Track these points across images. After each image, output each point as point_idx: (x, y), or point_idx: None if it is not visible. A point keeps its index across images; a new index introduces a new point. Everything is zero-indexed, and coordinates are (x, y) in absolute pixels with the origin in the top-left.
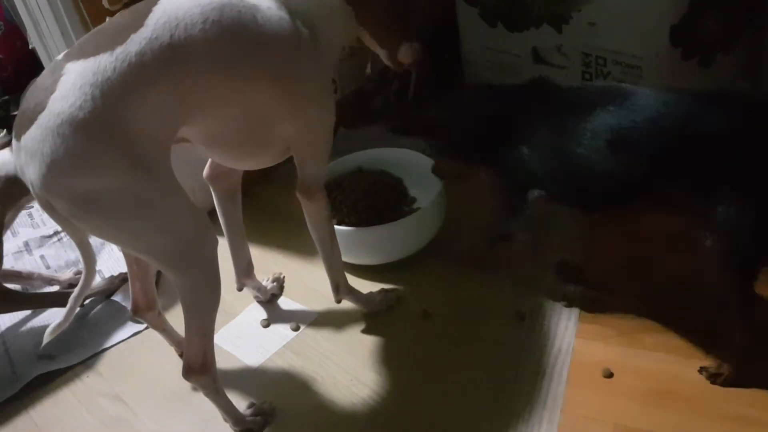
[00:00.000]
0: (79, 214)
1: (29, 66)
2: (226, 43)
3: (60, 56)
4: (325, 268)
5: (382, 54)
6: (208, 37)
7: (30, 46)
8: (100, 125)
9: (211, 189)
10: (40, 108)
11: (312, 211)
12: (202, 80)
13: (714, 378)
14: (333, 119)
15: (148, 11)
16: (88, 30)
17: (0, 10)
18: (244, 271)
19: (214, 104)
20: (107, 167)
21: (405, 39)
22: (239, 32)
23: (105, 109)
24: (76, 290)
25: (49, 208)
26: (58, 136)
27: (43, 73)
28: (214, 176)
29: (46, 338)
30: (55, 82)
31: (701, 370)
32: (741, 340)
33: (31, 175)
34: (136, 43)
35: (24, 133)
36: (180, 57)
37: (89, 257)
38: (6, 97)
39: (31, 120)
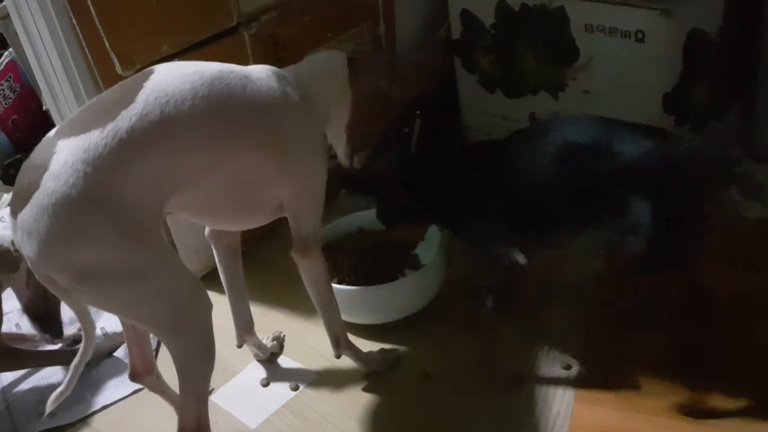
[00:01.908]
0: (77, 286)
1: (42, 127)
2: (214, 117)
3: (51, 133)
4: (324, 323)
5: (341, 147)
6: (197, 112)
7: (44, 108)
8: (93, 201)
9: (213, 247)
10: (33, 187)
11: (307, 269)
12: (192, 152)
13: None
14: (325, 176)
15: (139, 87)
16: (100, 93)
17: (17, 73)
18: (245, 328)
19: (204, 173)
20: (102, 240)
21: (367, 144)
22: (228, 105)
23: (97, 185)
24: (76, 358)
25: (48, 282)
26: (52, 214)
27: (35, 150)
28: (216, 234)
29: (50, 406)
30: (47, 160)
31: None
32: None
33: (29, 252)
34: (126, 119)
35: (20, 211)
36: (170, 132)
37: (89, 326)
38: (18, 156)
39: (25, 199)
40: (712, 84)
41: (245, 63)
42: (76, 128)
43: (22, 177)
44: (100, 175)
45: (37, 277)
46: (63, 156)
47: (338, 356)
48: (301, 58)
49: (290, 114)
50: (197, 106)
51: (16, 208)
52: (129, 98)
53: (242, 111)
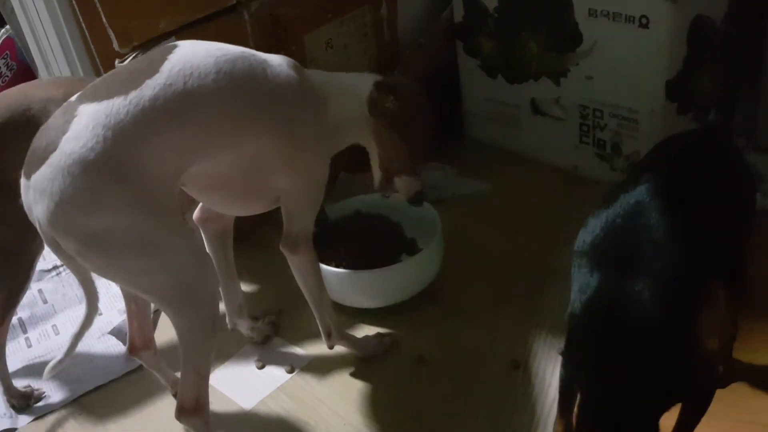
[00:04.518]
0: (84, 253)
1: None
2: (235, 94)
3: (74, 98)
4: (315, 316)
5: (377, 173)
6: (220, 87)
7: None
8: (110, 166)
9: (202, 231)
10: (51, 148)
11: (296, 264)
12: (210, 126)
13: None
14: (323, 182)
15: (164, 59)
16: (97, 71)
17: (13, 50)
18: (236, 312)
19: (218, 149)
20: (114, 207)
21: (407, 171)
22: (249, 84)
23: (115, 151)
24: (77, 327)
25: (54, 246)
26: (67, 175)
27: (56, 113)
28: (204, 219)
29: (47, 375)
30: (67, 122)
31: None
32: None
33: (39, 213)
34: (150, 88)
35: (34, 171)
36: (191, 104)
37: (92, 295)
38: None
39: (42, 159)
40: (716, 72)
41: (245, 43)
42: (100, 94)
43: (40, 138)
44: (120, 141)
45: (44, 240)
46: (84, 120)
47: (331, 347)
48: (301, 38)
49: (304, 107)
50: (220, 81)
51: (30, 168)
52: (154, 68)
53: (262, 92)
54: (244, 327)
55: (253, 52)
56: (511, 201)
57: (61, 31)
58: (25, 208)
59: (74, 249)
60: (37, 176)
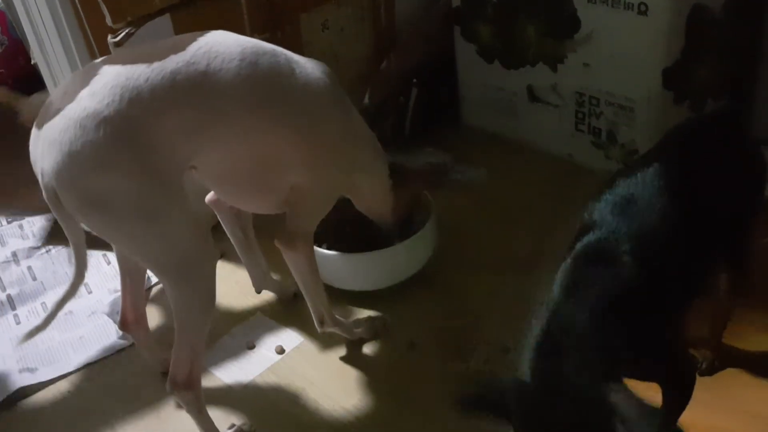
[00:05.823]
0: (84, 210)
1: (30, 81)
2: (255, 86)
3: (98, 60)
4: (308, 304)
5: (383, 221)
6: (241, 75)
7: (32, 62)
8: (122, 126)
9: (215, 211)
10: (67, 100)
11: (292, 259)
12: (226, 114)
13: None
14: (338, 194)
15: (193, 40)
16: (90, 47)
17: (4, 24)
18: (260, 276)
19: (232, 139)
20: (120, 167)
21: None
22: (271, 79)
23: (129, 112)
24: (61, 294)
25: (54, 202)
26: (80, 127)
27: (77, 71)
28: (215, 200)
29: (23, 339)
30: (88, 79)
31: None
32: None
33: (46, 164)
34: (173, 62)
35: (47, 121)
36: (210, 86)
37: (81, 262)
38: None
39: (57, 110)
40: (713, 61)
41: (240, 24)
42: (125, 59)
43: (58, 91)
44: (135, 104)
45: (45, 194)
46: (104, 78)
47: (322, 333)
48: (298, 20)
49: (331, 114)
50: (243, 68)
51: (44, 118)
52: (181, 47)
53: (284, 89)
54: (271, 288)
55: (286, 51)
56: (505, 188)
57: (54, 5)
58: (31, 160)
59: (75, 206)
60: (49, 126)
